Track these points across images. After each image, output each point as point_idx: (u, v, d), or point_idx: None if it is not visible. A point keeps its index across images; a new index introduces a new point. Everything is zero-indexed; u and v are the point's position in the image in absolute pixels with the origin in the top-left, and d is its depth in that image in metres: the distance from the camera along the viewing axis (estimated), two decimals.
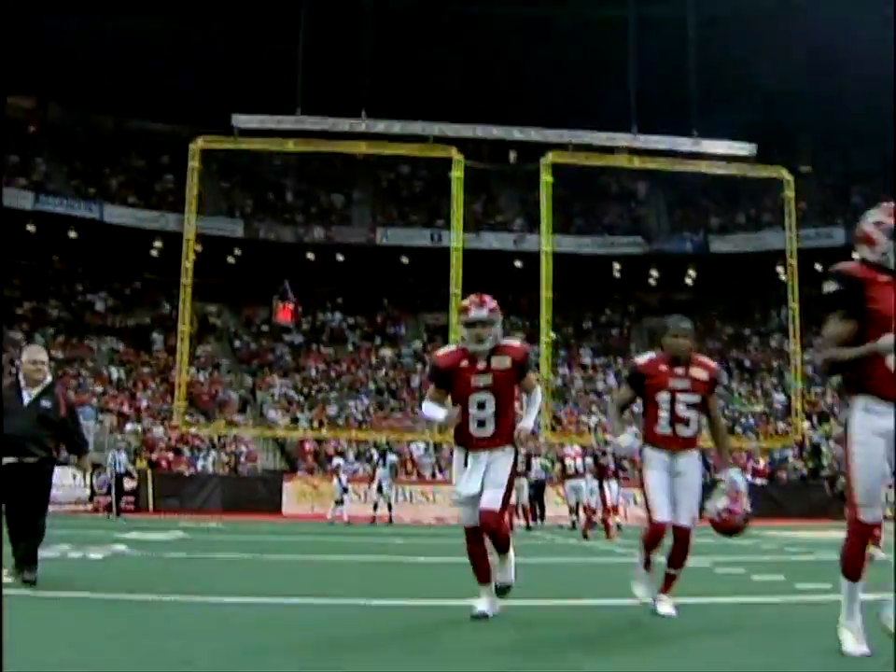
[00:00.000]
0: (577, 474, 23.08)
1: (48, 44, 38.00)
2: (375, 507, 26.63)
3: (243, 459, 34.14)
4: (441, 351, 7.26)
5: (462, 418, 6.89)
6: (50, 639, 5.58)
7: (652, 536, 7.07)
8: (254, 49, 37.67)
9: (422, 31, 38.10)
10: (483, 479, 6.83)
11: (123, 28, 37.33)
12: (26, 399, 8.73)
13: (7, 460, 8.51)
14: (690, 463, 7.15)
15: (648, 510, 7.11)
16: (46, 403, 8.76)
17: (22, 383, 8.84)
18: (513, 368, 6.92)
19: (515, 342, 7.23)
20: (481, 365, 6.89)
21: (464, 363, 6.93)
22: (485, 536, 6.85)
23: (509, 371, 6.90)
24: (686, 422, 7.12)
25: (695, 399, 7.13)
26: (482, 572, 6.93)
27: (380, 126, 36.11)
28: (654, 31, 36.11)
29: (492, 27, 38.70)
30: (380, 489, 26.59)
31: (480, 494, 6.78)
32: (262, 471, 34.57)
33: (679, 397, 7.11)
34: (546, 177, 35.37)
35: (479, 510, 6.77)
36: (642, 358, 7.43)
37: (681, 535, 7.07)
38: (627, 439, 7.18)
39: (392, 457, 28.22)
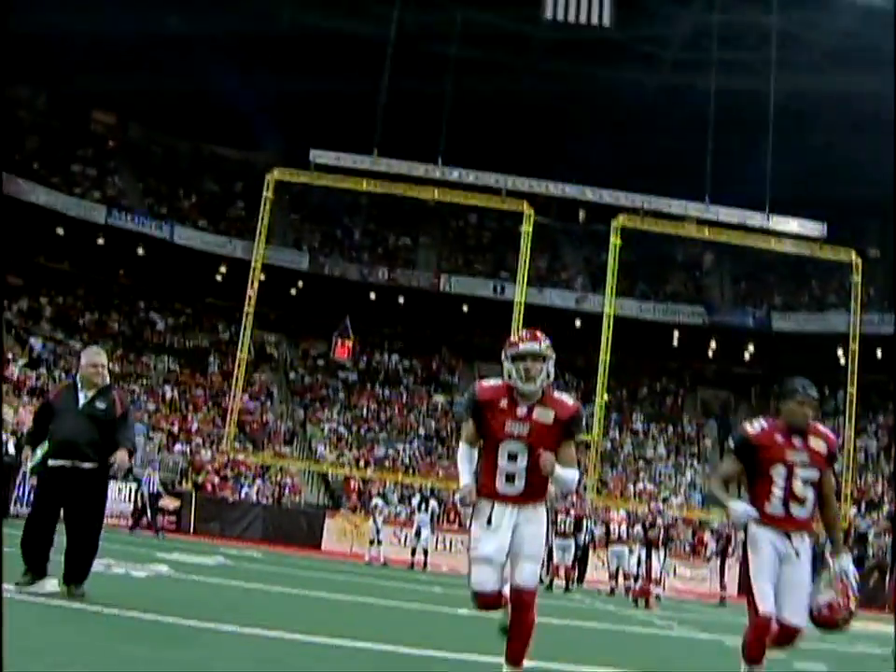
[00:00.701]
0: (620, 540, 22.95)
1: (134, 66, 38.63)
2: (413, 552, 26.57)
3: (287, 491, 34.24)
4: (486, 381, 6.53)
5: (488, 468, 6.25)
6: (100, 655, 5.65)
7: (756, 632, 6.22)
8: (336, 86, 38.05)
9: (503, 84, 38.40)
10: (513, 544, 6.13)
11: (207, 58, 37.90)
12: (81, 401, 8.64)
13: (59, 462, 8.44)
14: (803, 548, 6.37)
15: (750, 599, 6.30)
16: (101, 405, 8.64)
17: (80, 385, 8.73)
18: (555, 425, 6.20)
19: (568, 398, 6.41)
20: (521, 411, 6.22)
21: (503, 403, 6.25)
22: (509, 611, 6.16)
23: (549, 427, 6.19)
24: (802, 501, 6.38)
25: (814, 474, 6.42)
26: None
27: (454, 174, 36.30)
28: (734, 103, 36.16)
29: (574, 86, 39.01)
30: (418, 534, 26.51)
31: (501, 556, 6.11)
32: (305, 505, 34.63)
33: (797, 472, 6.40)
34: (615, 240, 35.40)
35: (514, 585, 6.10)
36: (753, 426, 6.59)
37: (790, 634, 6.31)
38: (741, 505, 6.34)
39: (433, 504, 28.11)
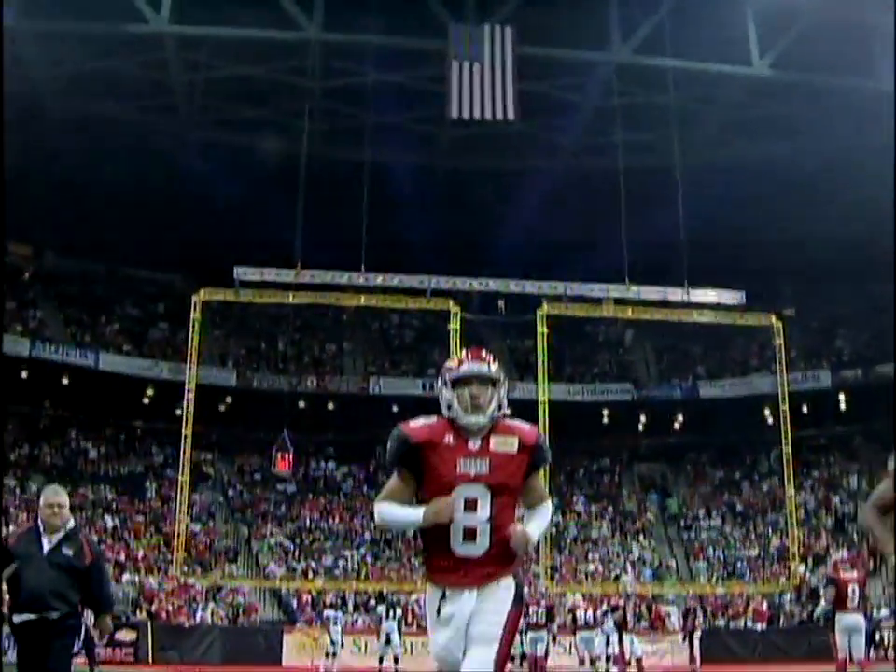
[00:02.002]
0: (587, 625, 23.03)
1: (43, 192, 38.53)
2: (381, 660, 26.29)
3: (242, 610, 33.81)
4: (413, 421, 5.16)
5: (435, 531, 4.95)
6: None
7: None
8: (253, 203, 38.38)
9: (415, 189, 39.02)
10: (469, 628, 4.91)
11: (115, 179, 38.15)
12: (46, 548, 7.87)
13: (24, 617, 7.74)
14: None
15: None
16: (67, 551, 7.88)
17: (42, 528, 7.97)
18: (521, 455, 5.06)
19: (523, 424, 5.25)
20: (473, 445, 5.01)
21: (448, 439, 5.00)
22: None
23: (514, 458, 5.04)
24: None
25: None
26: None
27: (378, 279, 36.65)
28: (643, 181, 37.09)
29: (484, 182, 39.85)
30: (388, 641, 26.16)
31: (457, 649, 4.94)
32: (262, 622, 34.21)
33: None
34: (541, 328, 35.94)
35: None
36: None
37: None
38: None
39: (398, 610, 27.89)
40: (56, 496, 8.15)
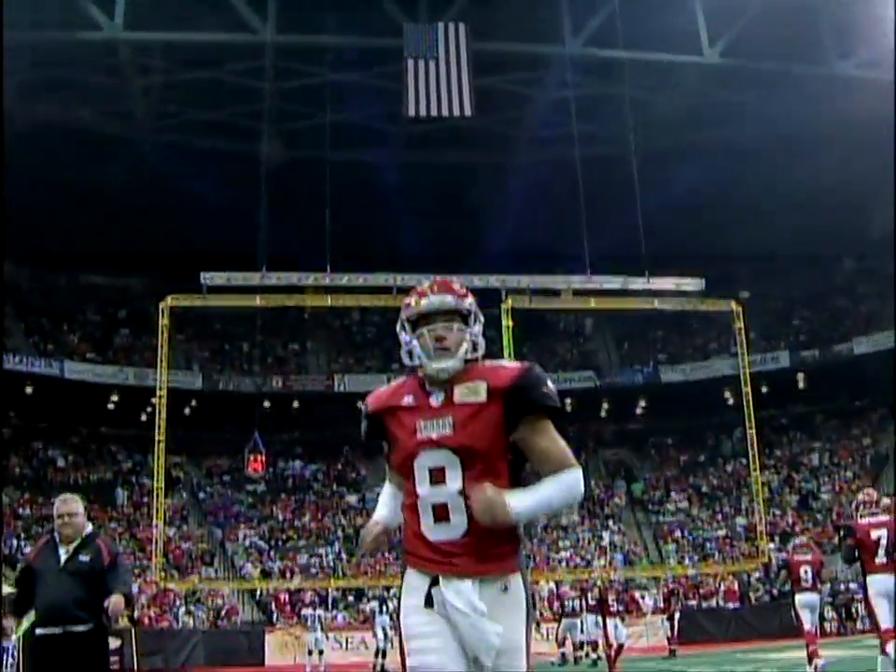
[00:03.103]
0: (573, 613, 23.55)
1: None
2: (379, 654, 26.55)
3: (222, 613, 33.97)
4: (381, 387, 4.37)
5: (409, 511, 4.06)
6: None
7: None
8: (213, 206, 38.43)
9: (378, 183, 39.27)
10: (475, 640, 3.82)
11: (71, 186, 38.16)
12: (62, 558, 7.64)
13: (48, 630, 7.43)
14: None
15: None
16: (84, 558, 7.62)
17: (57, 539, 7.73)
18: (493, 403, 3.94)
19: (507, 362, 4.20)
20: (436, 400, 4.04)
21: (408, 399, 4.10)
22: None
23: (483, 408, 3.95)
24: None
25: None
26: None
27: (344, 279, 36.83)
28: (600, 169, 37.52)
29: (450, 176, 40.14)
30: (385, 635, 26.37)
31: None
32: (242, 624, 34.39)
33: None
34: (506, 322, 36.28)
35: None
36: None
37: None
38: None
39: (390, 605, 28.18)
40: (66, 505, 7.85)
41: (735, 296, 40.25)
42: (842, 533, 12.40)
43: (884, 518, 11.16)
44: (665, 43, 35.79)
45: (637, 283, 37.54)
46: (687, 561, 39.77)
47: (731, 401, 43.02)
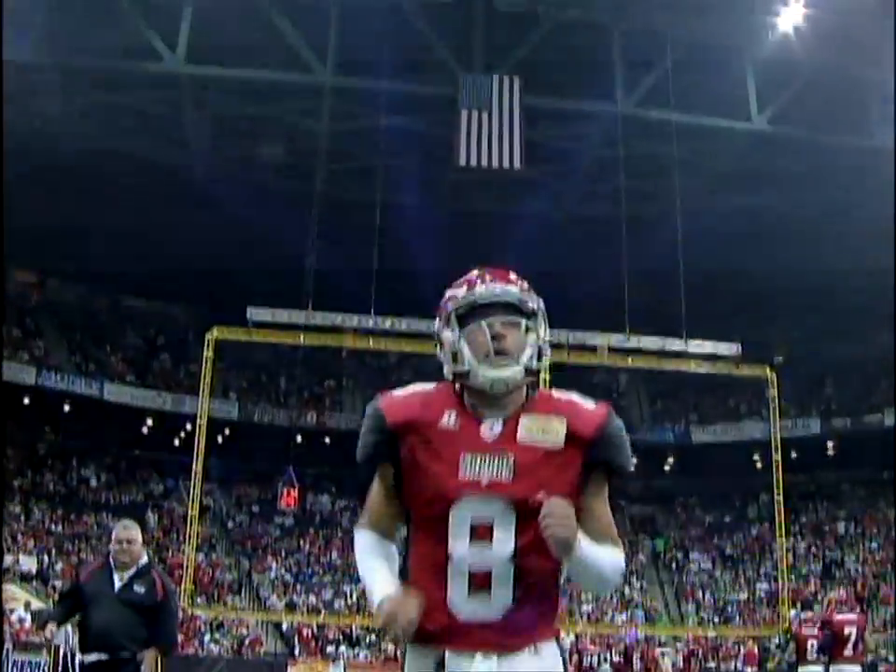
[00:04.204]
0: (591, 669, 23.69)
1: (49, 221, 39.05)
2: None
3: (247, 642, 34.22)
4: (400, 391, 3.36)
5: (424, 568, 3.14)
6: None
7: None
8: (261, 239, 38.98)
9: (424, 230, 39.71)
10: None
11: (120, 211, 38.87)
12: (117, 585, 7.64)
13: (95, 657, 7.54)
14: None
15: None
16: (139, 589, 7.64)
17: (113, 565, 7.74)
18: (572, 448, 3.12)
19: (578, 397, 3.29)
20: (489, 430, 3.14)
21: (447, 420, 3.16)
22: None
23: (559, 456, 3.11)
24: None
25: None
26: None
27: (387, 323, 37.27)
28: (645, 232, 37.86)
29: (494, 225, 40.53)
30: None
31: None
32: (265, 655, 34.60)
33: None
34: (545, 375, 36.32)
35: None
36: None
37: None
38: None
39: None
40: (125, 531, 7.88)
41: (770, 362, 40.39)
42: (819, 625, 14.39)
43: (853, 616, 14.15)
44: (714, 107, 36.14)
45: (675, 344, 37.72)
46: (707, 622, 39.77)
47: (759, 465, 43.15)
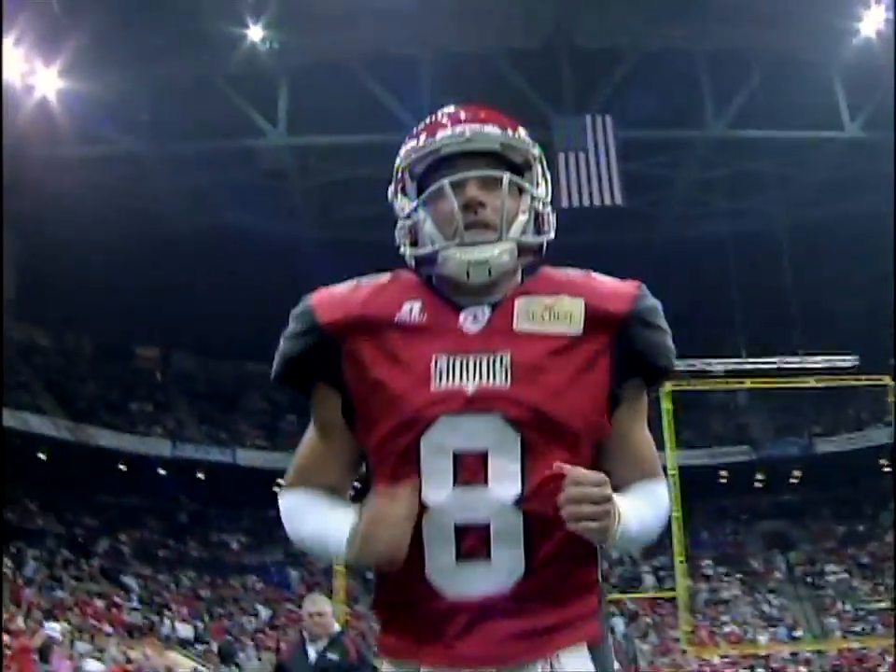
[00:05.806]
0: None
1: (171, 296, 40.53)
2: None
3: None
4: (336, 286, 2.60)
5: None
6: None
7: None
8: None
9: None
10: None
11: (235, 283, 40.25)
12: (312, 656, 7.93)
13: None
14: None
15: None
16: (333, 656, 7.88)
17: (307, 638, 8.11)
18: (595, 334, 2.29)
19: (594, 273, 2.47)
20: (472, 320, 2.32)
21: (409, 312, 2.37)
22: None
23: (578, 343, 2.27)
24: None
25: None
26: None
27: None
28: (750, 249, 38.07)
29: (596, 258, 40.87)
30: None
31: None
32: None
33: None
34: (666, 405, 36.29)
35: None
36: None
37: None
38: None
39: None
40: (314, 605, 8.29)
41: (890, 371, 40.02)
42: None
43: None
44: (806, 119, 36.23)
45: (792, 361, 37.73)
46: (850, 634, 39.46)
47: (887, 470, 42.82)
